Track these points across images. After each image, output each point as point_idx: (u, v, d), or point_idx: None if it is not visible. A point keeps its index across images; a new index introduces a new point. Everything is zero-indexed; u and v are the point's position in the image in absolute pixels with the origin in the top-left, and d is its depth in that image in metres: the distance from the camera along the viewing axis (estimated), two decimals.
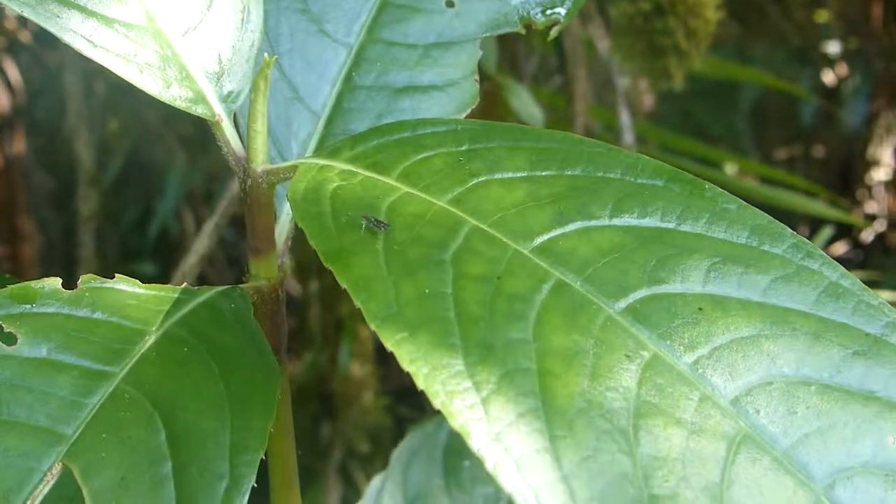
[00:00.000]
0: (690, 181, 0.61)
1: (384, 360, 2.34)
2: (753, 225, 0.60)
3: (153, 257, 2.92)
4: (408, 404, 2.40)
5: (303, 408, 2.39)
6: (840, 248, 3.56)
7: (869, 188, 3.64)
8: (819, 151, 3.79)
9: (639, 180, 0.62)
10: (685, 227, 0.59)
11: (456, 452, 1.03)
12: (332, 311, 2.35)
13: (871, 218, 3.59)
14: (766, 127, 3.63)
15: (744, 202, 0.61)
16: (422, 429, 1.06)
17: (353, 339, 2.26)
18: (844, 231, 3.51)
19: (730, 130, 3.45)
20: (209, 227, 1.27)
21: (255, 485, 0.56)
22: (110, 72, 0.65)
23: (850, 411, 0.53)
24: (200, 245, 1.24)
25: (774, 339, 0.55)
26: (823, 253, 0.59)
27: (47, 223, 2.87)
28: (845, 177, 3.70)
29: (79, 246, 2.38)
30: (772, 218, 0.60)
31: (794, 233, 0.60)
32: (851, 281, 0.58)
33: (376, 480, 1.02)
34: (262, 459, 0.57)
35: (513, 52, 2.11)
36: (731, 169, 2.67)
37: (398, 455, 1.04)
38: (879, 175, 3.61)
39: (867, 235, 3.64)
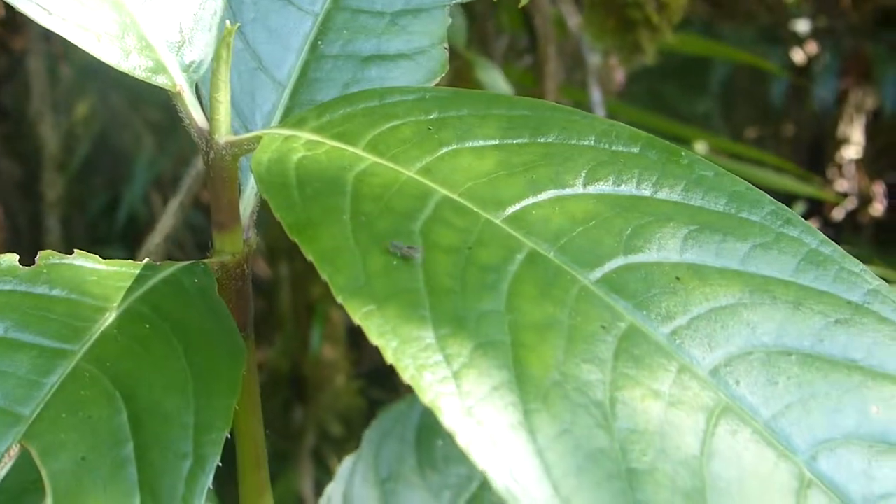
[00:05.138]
0: (666, 148, 0.60)
1: (356, 342, 2.33)
2: (731, 192, 0.58)
3: (122, 243, 2.90)
4: (380, 387, 2.39)
5: (274, 392, 2.38)
6: (811, 225, 3.56)
7: (840, 166, 3.65)
8: (789, 130, 3.80)
9: (613, 147, 0.60)
10: (661, 195, 0.58)
11: (428, 432, 1.01)
12: (302, 295, 2.34)
13: (843, 196, 3.60)
14: (736, 107, 3.63)
15: (721, 169, 0.60)
16: (394, 409, 1.05)
17: (324, 322, 2.24)
18: (816, 209, 3.53)
19: (699, 110, 3.45)
20: (174, 205, 1.26)
21: (220, 464, 0.54)
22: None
23: (832, 381, 0.51)
24: (165, 224, 1.22)
25: (754, 308, 0.53)
26: (803, 220, 0.57)
27: (15, 211, 2.85)
28: (816, 155, 3.71)
29: (45, 232, 2.36)
30: (750, 184, 0.59)
31: (773, 199, 0.58)
32: (832, 248, 0.57)
33: (348, 461, 1.00)
34: (229, 440, 0.56)
35: (483, 32, 2.10)
36: (701, 147, 2.67)
37: (370, 436, 1.03)
38: (850, 153, 3.62)
39: (839, 213, 3.66)
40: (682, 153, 0.60)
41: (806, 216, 3.33)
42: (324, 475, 2.31)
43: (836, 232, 3.64)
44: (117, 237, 2.91)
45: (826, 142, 3.69)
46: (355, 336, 2.24)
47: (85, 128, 2.87)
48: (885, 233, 3.63)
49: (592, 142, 0.60)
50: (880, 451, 0.50)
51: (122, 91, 2.79)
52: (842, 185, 3.67)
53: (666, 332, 0.52)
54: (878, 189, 3.73)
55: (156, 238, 1.23)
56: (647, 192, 0.58)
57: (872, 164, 3.70)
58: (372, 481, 0.99)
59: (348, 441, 2.31)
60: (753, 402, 0.50)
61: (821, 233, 0.57)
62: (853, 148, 3.63)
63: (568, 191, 0.57)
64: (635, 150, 0.60)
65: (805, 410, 0.50)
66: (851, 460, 0.49)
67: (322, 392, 2.29)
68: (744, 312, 0.53)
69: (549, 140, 0.60)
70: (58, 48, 2.45)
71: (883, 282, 0.56)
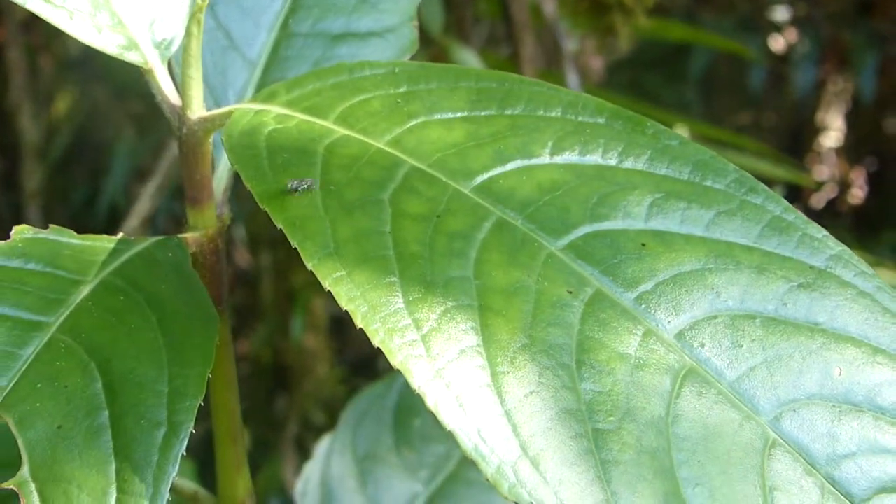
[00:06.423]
0: (632, 118, 0.61)
1: (338, 331, 2.34)
2: (696, 160, 0.59)
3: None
4: (363, 375, 2.39)
5: (257, 381, 2.38)
6: (775, 193, 3.57)
7: (819, 154, 3.66)
8: (769, 119, 3.81)
9: (580, 118, 0.61)
10: (627, 164, 0.59)
11: (406, 412, 1.02)
12: (284, 284, 2.34)
13: (822, 183, 3.61)
14: (716, 95, 3.64)
15: (686, 138, 0.60)
16: (371, 390, 1.06)
17: (305, 311, 2.25)
18: (795, 197, 3.54)
19: (680, 99, 3.46)
20: (151, 188, 1.26)
21: (193, 431, 0.55)
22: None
23: (795, 343, 0.52)
24: (142, 207, 1.22)
25: (718, 273, 0.54)
26: (766, 188, 0.58)
27: None
28: (795, 143, 3.72)
29: (26, 223, 2.35)
30: (714, 153, 0.60)
31: (737, 168, 0.59)
32: (795, 214, 0.58)
33: (325, 441, 1.01)
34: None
35: (461, 20, 2.10)
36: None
37: (347, 416, 1.04)
38: (829, 141, 3.63)
39: (818, 201, 3.67)
40: (648, 123, 0.60)
41: None
42: (307, 463, 2.30)
43: (816, 219, 3.64)
44: (100, 229, 2.90)
45: (805, 130, 3.70)
46: (337, 325, 2.25)
47: (67, 119, 2.87)
48: (864, 220, 3.64)
49: (559, 113, 0.61)
50: (843, 411, 0.51)
51: (106, 83, 2.79)
52: (821, 172, 3.69)
53: (632, 297, 0.53)
54: (858, 176, 3.74)
55: (132, 221, 1.23)
56: (612, 162, 0.59)
57: (852, 151, 3.72)
58: (349, 460, 1.00)
59: (331, 429, 2.30)
60: (718, 365, 0.51)
61: (784, 200, 0.58)
62: (832, 135, 3.65)
63: (535, 161, 0.58)
64: (601, 120, 0.61)
65: (769, 372, 0.51)
66: (815, 421, 0.50)
67: (304, 381, 2.29)
68: (708, 277, 0.54)
69: (517, 112, 0.61)
70: (38, 40, 2.45)
71: (846, 247, 0.56)
